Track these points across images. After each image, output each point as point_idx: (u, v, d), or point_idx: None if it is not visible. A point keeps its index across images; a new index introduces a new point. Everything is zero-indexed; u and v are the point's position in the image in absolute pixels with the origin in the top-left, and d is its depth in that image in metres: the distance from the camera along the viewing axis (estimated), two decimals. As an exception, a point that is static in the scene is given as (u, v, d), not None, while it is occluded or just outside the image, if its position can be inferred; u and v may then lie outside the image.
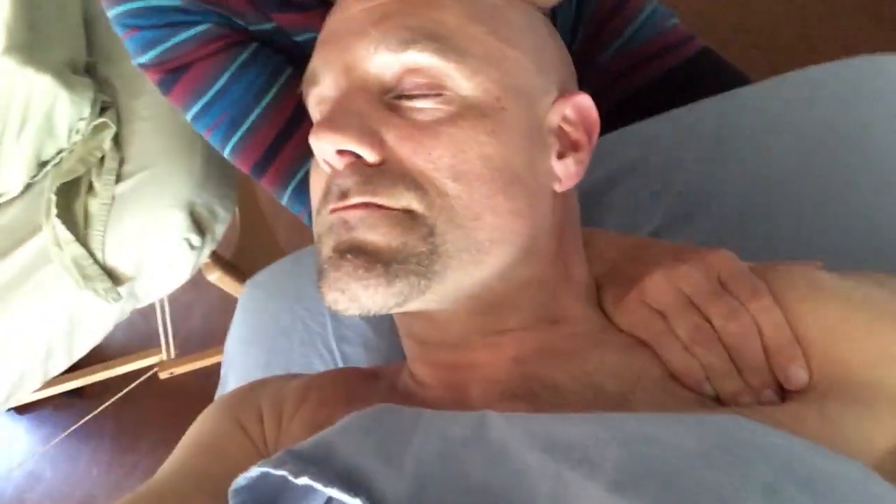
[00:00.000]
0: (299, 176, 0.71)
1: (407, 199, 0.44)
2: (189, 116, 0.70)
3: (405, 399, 0.52)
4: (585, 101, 0.51)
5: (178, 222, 1.07)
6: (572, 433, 0.40)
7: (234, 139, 0.69)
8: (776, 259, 0.54)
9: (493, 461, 0.40)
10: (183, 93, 0.68)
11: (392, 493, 0.40)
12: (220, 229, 1.15)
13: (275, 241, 1.47)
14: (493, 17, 0.49)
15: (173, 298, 1.41)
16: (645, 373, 0.47)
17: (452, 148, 0.45)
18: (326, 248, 0.46)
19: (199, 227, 1.10)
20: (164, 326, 1.41)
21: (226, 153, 0.71)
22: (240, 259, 1.34)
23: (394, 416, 0.46)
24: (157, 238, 1.07)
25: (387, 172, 0.45)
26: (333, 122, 0.45)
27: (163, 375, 1.42)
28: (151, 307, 1.38)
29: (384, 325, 0.76)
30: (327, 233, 0.46)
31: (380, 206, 0.44)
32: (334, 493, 0.40)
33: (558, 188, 0.51)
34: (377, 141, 0.45)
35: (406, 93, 0.46)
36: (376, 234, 0.44)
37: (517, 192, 0.47)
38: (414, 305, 0.46)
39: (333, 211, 0.46)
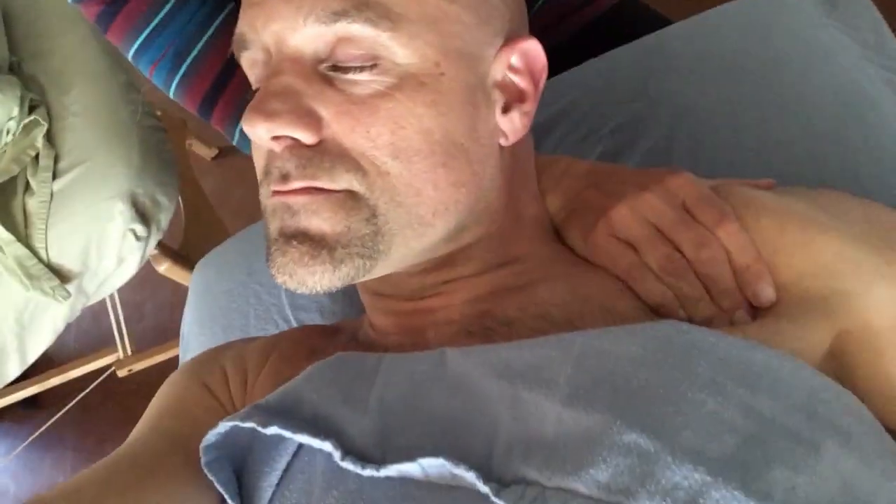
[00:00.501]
0: None
1: (347, 181, 0.44)
2: (131, 51, 0.68)
3: (366, 348, 0.53)
4: (532, 45, 0.50)
5: (121, 213, 1.06)
6: (527, 357, 0.42)
7: (181, 71, 0.67)
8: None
9: (454, 392, 0.42)
10: (124, 25, 0.66)
11: (359, 434, 0.41)
12: (164, 218, 1.14)
13: (222, 228, 1.47)
14: None
15: (124, 299, 1.40)
16: (590, 298, 0.48)
17: (390, 124, 0.44)
18: (273, 229, 0.47)
19: (143, 217, 1.10)
20: (118, 323, 1.40)
21: (172, 88, 0.69)
22: (188, 249, 1.34)
23: (355, 363, 0.47)
24: (100, 231, 1.06)
25: (325, 153, 0.44)
26: (266, 108, 0.44)
27: (121, 373, 1.41)
28: (102, 308, 1.36)
29: (339, 290, 0.77)
30: (272, 214, 0.47)
31: (320, 190, 0.44)
32: (304, 438, 0.41)
33: (505, 143, 0.51)
34: (313, 122, 0.44)
35: (341, 64, 0.45)
36: (319, 220, 0.44)
37: (459, 163, 0.47)
38: (361, 280, 0.48)
39: (275, 194, 0.46)
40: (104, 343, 1.48)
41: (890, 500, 0.36)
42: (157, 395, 0.56)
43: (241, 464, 0.47)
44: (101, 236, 1.07)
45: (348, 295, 0.77)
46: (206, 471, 0.45)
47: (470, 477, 0.36)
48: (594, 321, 0.47)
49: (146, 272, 1.81)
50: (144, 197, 1.09)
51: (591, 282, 0.50)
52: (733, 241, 0.47)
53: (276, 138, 0.45)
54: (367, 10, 0.44)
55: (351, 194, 0.45)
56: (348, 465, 0.40)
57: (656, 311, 0.49)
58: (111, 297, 1.42)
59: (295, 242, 0.45)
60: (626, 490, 0.34)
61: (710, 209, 0.48)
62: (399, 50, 0.45)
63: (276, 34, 0.45)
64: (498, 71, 0.49)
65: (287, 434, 0.41)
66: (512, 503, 0.35)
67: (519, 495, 0.35)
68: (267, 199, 0.47)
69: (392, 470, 0.39)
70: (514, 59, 0.50)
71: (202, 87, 0.68)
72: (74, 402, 1.46)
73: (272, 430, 0.42)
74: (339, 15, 0.44)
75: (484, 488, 0.36)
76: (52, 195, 1.06)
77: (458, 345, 0.46)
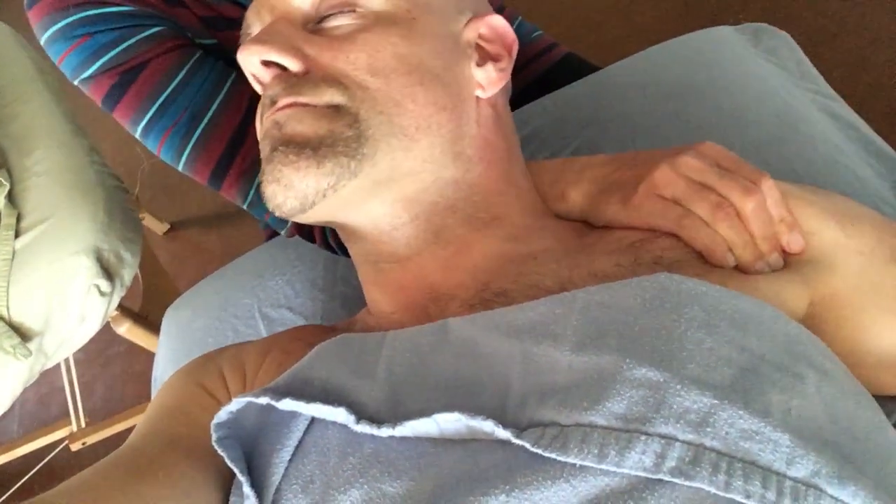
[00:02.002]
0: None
1: (329, 95, 0.49)
2: (143, 122, 0.68)
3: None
4: (500, 20, 0.57)
5: (86, 268, 1.06)
6: (530, 316, 0.44)
7: (198, 132, 0.68)
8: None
9: (461, 356, 0.44)
10: (138, 95, 0.67)
11: (370, 400, 0.43)
12: (128, 275, 1.14)
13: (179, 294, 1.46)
14: None
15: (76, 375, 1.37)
16: (579, 265, 0.51)
17: (367, 48, 0.50)
18: (264, 151, 0.51)
19: (108, 272, 1.10)
20: (73, 394, 1.36)
21: (185, 153, 0.69)
22: (147, 311, 1.33)
23: (358, 341, 0.49)
24: (64, 287, 1.05)
25: (310, 78, 0.49)
26: (259, 38, 0.50)
27: (74, 447, 1.36)
28: (49, 390, 1.32)
29: (317, 314, 0.79)
30: (263, 139, 0.51)
31: (305, 105, 0.49)
32: (317, 408, 0.42)
33: (482, 94, 0.55)
34: (299, 54, 0.50)
35: (324, 15, 0.52)
36: (303, 126, 0.48)
37: (436, 87, 0.51)
38: (350, 194, 0.50)
39: (261, 119, 0.51)
40: (53, 422, 1.44)
41: (867, 425, 0.40)
42: (153, 399, 0.57)
43: (251, 446, 0.47)
44: (64, 292, 1.06)
45: (326, 317, 0.79)
46: (216, 447, 0.45)
47: (487, 426, 0.38)
48: (584, 286, 0.50)
49: (97, 350, 1.77)
50: (109, 252, 1.10)
51: (580, 251, 0.53)
52: (770, 194, 0.51)
53: (265, 64, 0.51)
54: None
55: (334, 107, 0.49)
56: (364, 429, 0.41)
57: (705, 258, 0.52)
58: (66, 366, 1.39)
59: (281, 148, 0.48)
60: (642, 418, 0.36)
61: (746, 166, 0.52)
62: None
63: (271, 3, 0.53)
64: (470, 35, 0.56)
65: (300, 406, 0.43)
66: (533, 442, 0.37)
67: (539, 435, 0.37)
68: (260, 129, 0.52)
69: (408, 428, 0.40)
70: (484, 29, 0.56)
71: (218, 148, 0.69)
72: (25, 479, 1.39)
73: (286, 402, 0.43)
74: None
75: (504, 433, 0.38)
76: (14, 253, 1.05)
77: (460, 316, 0.48)
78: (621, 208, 0.55)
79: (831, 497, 0.34)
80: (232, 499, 0.46)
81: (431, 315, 0.52)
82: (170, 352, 0.88)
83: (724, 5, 1.65)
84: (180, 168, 0.71)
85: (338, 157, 0.48)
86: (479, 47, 0.57)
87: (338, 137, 0.48)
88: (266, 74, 0.51)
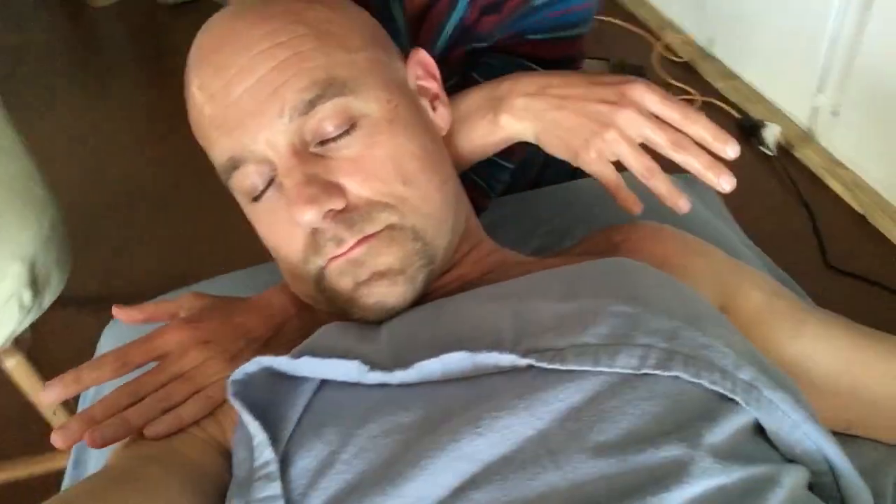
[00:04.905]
0: None
1: (384, 219, 0.53)
2: None
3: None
4: (421, 54, 0.62)
5: (16, 276, 1.02)
6: (517, 284, 0.54)
7: None
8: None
9: (454, 320, 0.51)
10: None
11: (377, 357, 0.48)
12: (48, 299, 1.10)
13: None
14: (339, 36, 0.55)
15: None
16: (540, 265, 0.61)
17: (389, 163, 0.54)
18: (345, 285, 0.54)
19: (35, 288, 1.06)
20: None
21: None
22: (37, 352, 1.25)
23: (356, 324, 0.55)
24: (-12, 288, 1.00)
25: (358, 209, 0.53)
26: (305, 196, 0.50)
27: None
28: None
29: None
30: (338, 275, 0.54)
31: (369, 237, 0.53)
32: (331, 363, 0.47)
33: (443, 134, 0.62)
34: (338, 191, 0.52)
35: (326, 137, 0.53)
36: (383, 258, 0.53)
37: (440, 164, 0.58)
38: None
39: (334, 259, 0.53)
40: None
41: (770, 363, 0.50)
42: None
43: (259, 414, 0.48)
44: (-14, 293, 1.01)
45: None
46: (231, 400, 0.48)
47: (491, 357, 0.44)
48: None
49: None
50: (42, 267, 1.06)
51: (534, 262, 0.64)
52: (702, 125, 0.58)
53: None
54: (332, 87, 0.52)
55: (390, 227, 0.53)
56: (376, 376, 0.46)
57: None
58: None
59: (375, 281, 0.53)
60: (624, 335, 0.46)
61: (673, 108, 0.59)
62: (364, 105, 0.54)
63: (268, 140, 0.52)
64: (412, 84, 0.61)
65: (316, 363, 0.48)
66: (536, 360, 0.44)
67: (539, 356, 0.44)
68: (324, 268, 0.54)
69: (416, 369, 0.45)
70: (418, 70, 0.62)
71: None
72: None
73: (304, 360, 0.48)
74: (314, 102, 0.52)
75: (508, 357, 0.44)
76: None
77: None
78: (572, 160, 0.64)
79: (767, 399, 0.45)
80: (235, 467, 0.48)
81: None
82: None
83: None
84: None
85: (422, 270, 0.55)
86: (422, 90, 0.62)
87: (412, 255, 0.54)
88: (322, 223, 0.52)
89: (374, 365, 0.47)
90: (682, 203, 0.61)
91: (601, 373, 0.44)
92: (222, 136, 0.54)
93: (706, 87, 2.21)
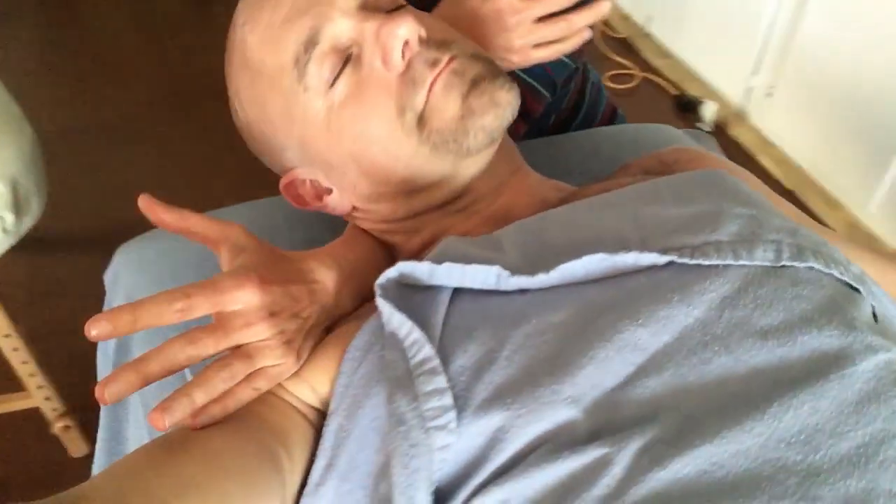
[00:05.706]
0: None
1: (454, 49, 0.55)
2: None
3: None
4: None
5: (0, 195, 0.98)
6: (617, 196, 0.56)
7: None
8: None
9: (574, 227, 0.52)
10: None
11: (510, 265, 0.49)
12: (27, 223, 1.06)
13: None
14: None
15: None
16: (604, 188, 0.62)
17: (430, 18, 0.58)
18: (454, 98, 0.54)
19: (16, 209, 1.01)
20: None
21: None
22: None
23: (466, 240, 0.55)
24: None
25: (434, 41, 0.55)
26: (395, 19, 0.53)
27: None
28: None
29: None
30: (446, 91, 0.54)
31: (453, 58, 0.55)
32: (474, 268, 0.47)
33: None
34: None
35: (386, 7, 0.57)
36: (476, 68, 0.55)
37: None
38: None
39: (436, 79, 0.54)
40: None
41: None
42: None
43: None
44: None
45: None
46: (381, 304, 0.48)
47: (630, 257, 0.46)
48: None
49: None
50: (24, 189, 1.02)
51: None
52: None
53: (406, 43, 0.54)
54: None
55: (461, 55, 0.56)
56: (518, 280, 0.47)
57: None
58: None
59: (480, 83, 0.54)
60: (752, 233, 0.48)
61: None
62: None
63: (339, 6, 0.55)
64: None
65: (458, 266, 0.47)
66: (677, 258, 0.45)
67: (679, 254, 0.46)
68: (428, 93, 0.54)
69: (558, 271, 0.46)
70: None
71: None
72: None
73: (446, 265, 0.48)
74: None
75: (650, 255, 0.45)
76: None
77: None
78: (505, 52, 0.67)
79: (875, 290, 0.50)
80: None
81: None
82: (140, 278, 0.76)
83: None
84: None
85: (504, 75, 0.56)
86: None
87: (493, 67, 0.57)
88: (418, 46, 0.54)
89: (513, 270, 0.47)
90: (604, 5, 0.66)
91: (742, 266, 0.46)
92: (284, 32, 0.55)
93: (645, 65, 2.32)
